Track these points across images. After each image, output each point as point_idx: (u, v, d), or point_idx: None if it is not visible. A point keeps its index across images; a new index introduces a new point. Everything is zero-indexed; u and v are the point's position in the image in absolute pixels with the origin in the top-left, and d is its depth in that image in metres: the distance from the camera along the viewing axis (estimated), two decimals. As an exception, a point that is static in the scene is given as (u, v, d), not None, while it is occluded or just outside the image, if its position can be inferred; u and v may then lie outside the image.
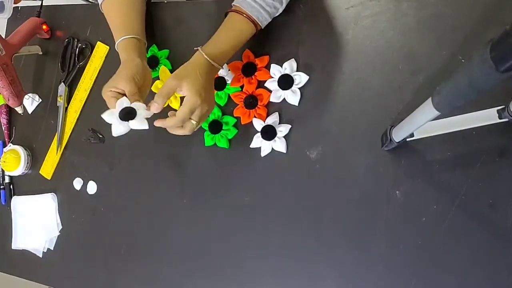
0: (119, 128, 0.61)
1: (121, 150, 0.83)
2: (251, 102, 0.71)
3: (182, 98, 0.78)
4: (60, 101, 0.90)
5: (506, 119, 0.53)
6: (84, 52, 0.90)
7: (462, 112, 0.54)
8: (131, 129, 0.62)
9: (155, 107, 0.62)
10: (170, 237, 0.76)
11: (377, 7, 0.66)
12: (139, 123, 0.61)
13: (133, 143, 0.82)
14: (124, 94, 0.64)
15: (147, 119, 0.62)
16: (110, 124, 0.62)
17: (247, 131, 0.72)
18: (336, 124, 0.67)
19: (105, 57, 0.87)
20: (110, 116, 0.62)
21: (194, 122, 0.63)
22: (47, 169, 0.90)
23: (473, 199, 0.58)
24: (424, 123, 0.46)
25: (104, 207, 0.84)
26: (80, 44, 0.90)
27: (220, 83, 0.75)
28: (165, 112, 0.64)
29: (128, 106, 0.61)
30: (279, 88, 0.70)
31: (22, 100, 0.87)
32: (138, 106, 0.62)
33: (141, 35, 0.74)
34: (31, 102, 0.94)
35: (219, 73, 0.74)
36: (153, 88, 0.80)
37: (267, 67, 0.72)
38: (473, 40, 0.60)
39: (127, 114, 0.61)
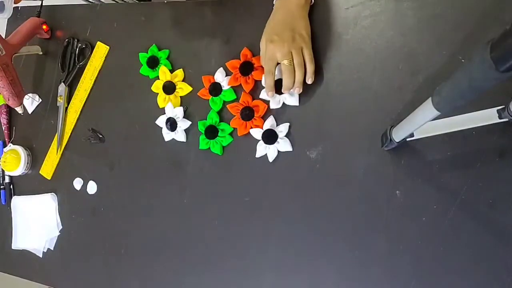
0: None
1: (121, 150, 0.83)
2: (247, 113, 0.71)
3: (182, 98, 0.79)
4: (60, 101, 0.90)
5: (506, 119, 0.53)
6: (84, 52, 0.90)
7: (462, 112, 0.54)
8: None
9: (270, 94, 0.68)
10: (170, 237, 0.76)
11: (377, 7, 0.66)
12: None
13: (133, 143, 0.82)
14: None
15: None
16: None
17: (245, 136, 0.72)
18: (336, 124, 0.67)
19: (105, 57, 0.87)
20: None
21: (286, 61, 0.64)
22: (47, 169, 0.90)
23: (473, 199, 0.58)
24: (424, 123, 0.46)
25: (104, 207, 0.84)
26: (80, 44, 0.90)
27: (216, 89, 0.75)
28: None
29: None
30: (276, 94, 0.70)
31: (22, 100, 0.87)
32: None
33: None
34: (31, 102, 0.94)
35: (215, 78, 0.74)
36: (152, 88, 0.80)
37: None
38: (473, 40, 0.60)
39: None
